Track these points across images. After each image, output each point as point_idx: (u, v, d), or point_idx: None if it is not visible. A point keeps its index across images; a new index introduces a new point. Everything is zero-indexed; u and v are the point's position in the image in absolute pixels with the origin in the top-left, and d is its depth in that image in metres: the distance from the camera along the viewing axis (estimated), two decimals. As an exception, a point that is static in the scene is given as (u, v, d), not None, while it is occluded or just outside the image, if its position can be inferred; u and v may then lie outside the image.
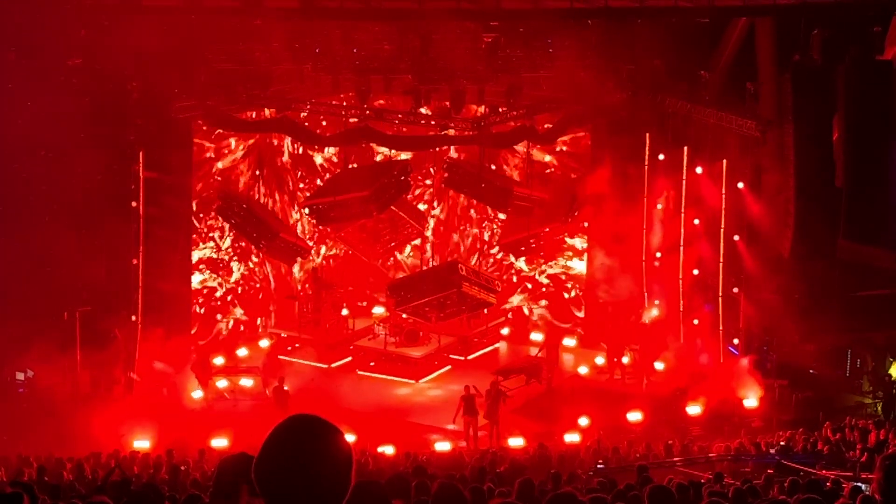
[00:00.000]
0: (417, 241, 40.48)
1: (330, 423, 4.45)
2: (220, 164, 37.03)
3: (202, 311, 37.08)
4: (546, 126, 37.02)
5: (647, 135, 37.32)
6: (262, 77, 34.13)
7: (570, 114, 36.47)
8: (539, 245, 38.99)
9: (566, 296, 40.12)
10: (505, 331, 39.97)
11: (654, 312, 37.59)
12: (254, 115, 36.54)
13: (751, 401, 32.97)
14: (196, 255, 36.59)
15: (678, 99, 35.02)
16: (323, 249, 40.73)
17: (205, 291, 37.11)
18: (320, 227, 39.25)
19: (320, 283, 39.33)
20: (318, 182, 39.43)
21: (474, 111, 36.43)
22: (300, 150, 39.29)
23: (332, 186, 37.96)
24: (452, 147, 38.58)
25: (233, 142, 37.20)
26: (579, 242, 39.50)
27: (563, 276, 40.08)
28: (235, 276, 38.20)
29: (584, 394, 34.15)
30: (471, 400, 31.43)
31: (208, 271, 37.38)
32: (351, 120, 36.24)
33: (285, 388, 32.47)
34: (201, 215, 36.59)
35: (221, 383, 34.52)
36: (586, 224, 38.72)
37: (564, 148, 38.82)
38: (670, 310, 37.46)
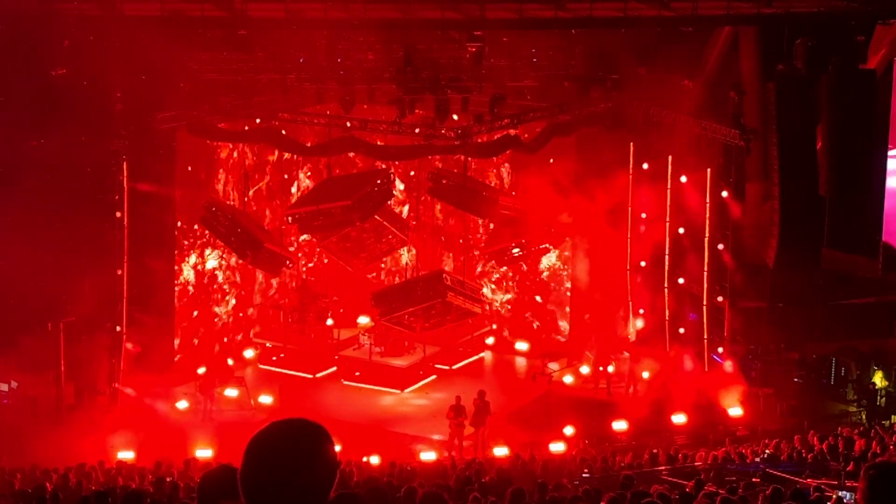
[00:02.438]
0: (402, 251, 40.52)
1: (316, 426, 4.42)
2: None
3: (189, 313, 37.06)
4: (530, 134, 37.11)
5: (632, 144, 37.37)
6: (246, 87, 34.09)
7: (555, 123, 36.50)
8: (522, 255, 38.99)
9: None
10: (490, 340, 39.98)
11: (640, 324, 37.67)
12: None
13: (735, 409, 33.02)
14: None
15: (662, 108, 35.07)
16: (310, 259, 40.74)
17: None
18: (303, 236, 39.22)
19: (307, 293, 39.33)
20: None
21: (459, 121, 36.39)
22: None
23: (315, 195, 37.92)
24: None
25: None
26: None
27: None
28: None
29: (570, 403, 34.15)
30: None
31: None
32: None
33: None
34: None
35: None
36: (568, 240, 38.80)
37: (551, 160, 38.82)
38: (655, 319, 37.56)
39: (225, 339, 38.21)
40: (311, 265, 41.10)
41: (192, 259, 37.02)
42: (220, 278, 38.14)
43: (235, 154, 37.84)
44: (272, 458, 4.30)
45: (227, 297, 38.46)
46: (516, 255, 38.56)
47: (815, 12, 32.11)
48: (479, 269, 40.91)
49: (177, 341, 35.99)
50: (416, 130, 35.31)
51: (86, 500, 15.93)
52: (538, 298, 40.39)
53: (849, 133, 32.05)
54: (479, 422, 31.50)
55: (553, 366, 37.26)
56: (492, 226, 39.34)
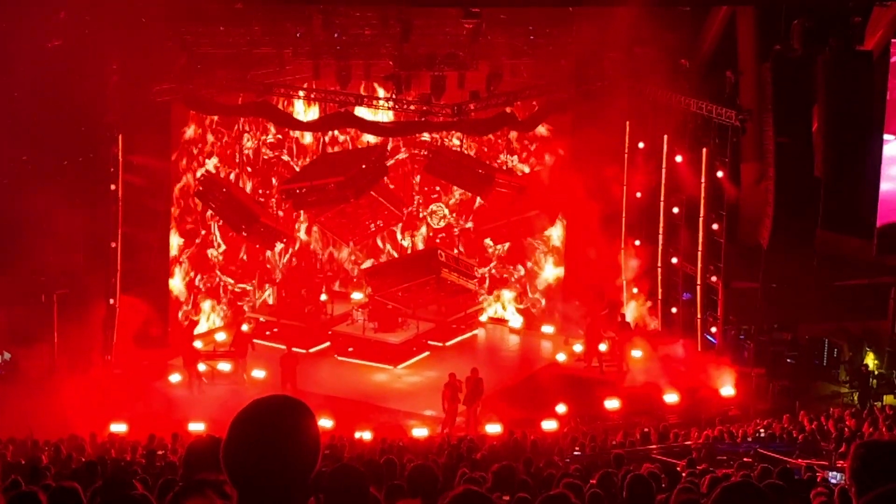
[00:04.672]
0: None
1: (298, 403, 4.42)
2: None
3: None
4: (526, 112, 37.10)
5: (628, 123, 37.40)
6: (243, 61, 34.02)
7: (551, 101, 36.48)
8: (516, 231, 39.03)
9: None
10: (484, 317, 40.01)
11: (632, 308, 37.72)
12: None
13: (727, 389, 33.06)
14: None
15: (659, 87, 35.04)
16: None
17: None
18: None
19: (301, 268, 39.45)
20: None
21: (455, 97, 36.29)
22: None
23: (310, 171, 37.87)
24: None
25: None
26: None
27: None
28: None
29: (562, 381, 34.17)
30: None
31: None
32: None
33: (294, 349, 33.65)
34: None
35: (200, 367, 34.42)
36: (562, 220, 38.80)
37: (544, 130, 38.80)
38: (648, 298, 37.73)
39: (208, 320, 38.20)
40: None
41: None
42: (212, 253, 38.07)
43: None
44: (252, 436, 4.29)
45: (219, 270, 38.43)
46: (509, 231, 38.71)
47: (812, -8, 32.10)
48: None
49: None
50: (412, 107, 35.28)
51: (76, 472, 15.94)
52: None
53: (845, 115, 32.02)
54: (471, 399, 31.52)
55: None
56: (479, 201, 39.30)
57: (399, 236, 40.65)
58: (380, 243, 40.99)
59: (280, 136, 39.03)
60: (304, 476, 4.33)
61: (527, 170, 39.39)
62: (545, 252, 39.73)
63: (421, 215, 40.55)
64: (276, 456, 4.27)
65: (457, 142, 38.79)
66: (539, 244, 39.73)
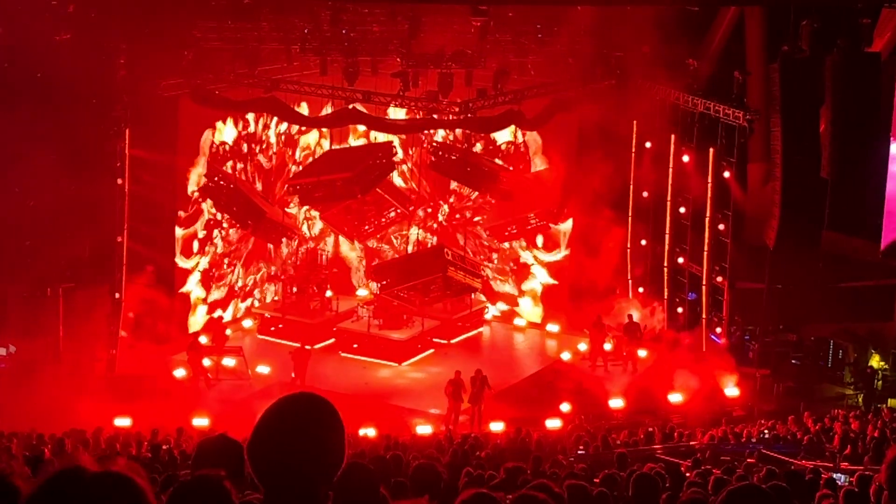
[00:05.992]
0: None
1: (325, 402, 4.37)
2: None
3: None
4: (533, 110, 37.08)
5: (635, 122, 37.34)
6: (250, 57, 34.02)
7: (558, 100, 36.42)
8: (522, 230, 39.05)
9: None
10: (489, 315, 39.96)
11: (638, 307, 37.67)
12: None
13: (732, 389, 33.04)
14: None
15: (666, 87, 35.00)
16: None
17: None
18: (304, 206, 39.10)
19: (308, 264, 39.43)
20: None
21: (463, 95, 36.25)
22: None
23: (317, 167, 37.89)
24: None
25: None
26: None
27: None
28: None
29: (567, 380, 34.16)
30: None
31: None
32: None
33: (307, 347, 33.89)
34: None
35: (205, 362, 34.42)
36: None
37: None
38: (655, 297, 37.67)
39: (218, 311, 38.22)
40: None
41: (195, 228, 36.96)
42: (220, 248, 38.03)
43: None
44: (280, 435, 4.24)
45: (226, 267, 38.42)
46: (514, 232, 38.83)
47: (820, -7, 32.06)
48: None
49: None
50: (419, 104, 35.26)
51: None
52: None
53: (852, 116, 31.98)
54: (476, 398, 31.52)
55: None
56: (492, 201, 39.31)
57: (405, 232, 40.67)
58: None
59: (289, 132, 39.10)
60: (330, 476, 4.30)
61: (531, 169, 39.35)
62: (549, 251, 39.66)
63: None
64: (304, 455, 4.22)
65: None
66: (543, 242, 39.68)
